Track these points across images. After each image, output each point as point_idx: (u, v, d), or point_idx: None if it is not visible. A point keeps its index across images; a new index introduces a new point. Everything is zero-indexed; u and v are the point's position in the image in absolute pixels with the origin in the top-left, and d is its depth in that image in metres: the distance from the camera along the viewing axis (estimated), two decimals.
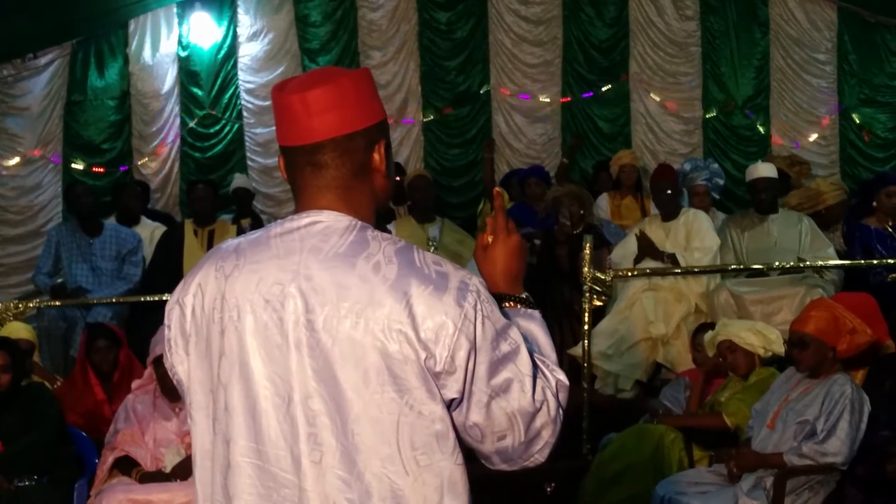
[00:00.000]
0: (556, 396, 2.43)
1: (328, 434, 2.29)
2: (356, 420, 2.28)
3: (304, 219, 2.43)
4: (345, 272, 2.32)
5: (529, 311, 2.55)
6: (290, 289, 2.34)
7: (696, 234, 9.28)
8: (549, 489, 7.56)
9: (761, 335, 7.17)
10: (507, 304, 2.56)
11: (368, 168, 2.48)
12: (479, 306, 2.32)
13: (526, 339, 2.42)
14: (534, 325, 2.51)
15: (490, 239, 2.64)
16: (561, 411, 2.44)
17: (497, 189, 2.72)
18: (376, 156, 2.48)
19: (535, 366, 2.40)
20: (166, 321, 2.53)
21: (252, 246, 2.45)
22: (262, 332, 2.35)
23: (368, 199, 2.49)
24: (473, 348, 2.29)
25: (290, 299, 2.33)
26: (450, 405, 2.34)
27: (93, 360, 7.74)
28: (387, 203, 2.58)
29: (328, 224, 2.41)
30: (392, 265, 2.32)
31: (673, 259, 9.09)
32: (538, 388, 2.38)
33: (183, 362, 2.50)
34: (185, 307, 2.48)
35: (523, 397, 2.35)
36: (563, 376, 2.47)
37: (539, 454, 2.45)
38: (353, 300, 2.29)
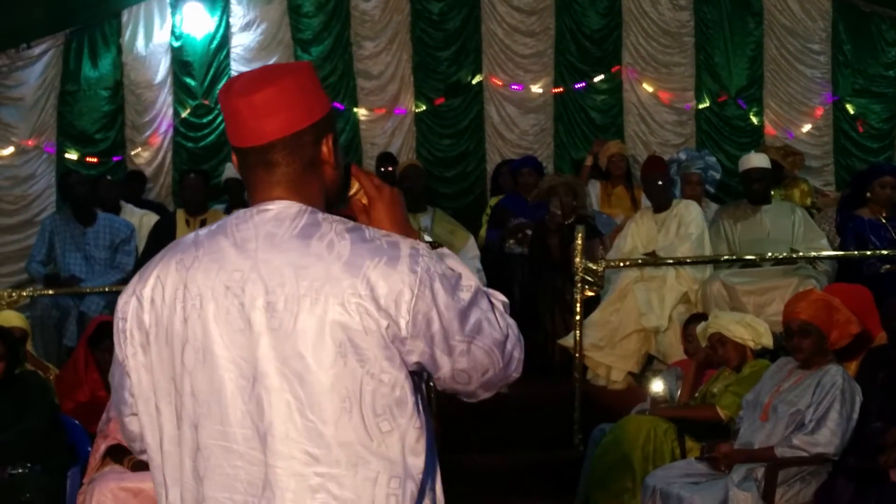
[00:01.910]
0: (508, 315, 2.57)
1: (293, 411, 2.38)
2: (321, 393, 2.37)
3: (257, 209, 2.52)
4: (300, 253, 2.41)
5: (439, 250, 2.60)
6: (249, 274, 2.43)
7: (682, 224, 9.28)
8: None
9: (751, 328, 7.19)
10: None
11: (317, 161, 2.57)
12: (431, 269, 2.43)
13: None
14: (451, 261, 2.56)
15: (365, 201, 2.69)
16: (516, 328, 2.57)
17: (352, 165, 2.75)
18: (324, 148, 2.57)
19: (494, 303, 2.54)
20: (120, 314, 2.61)
21: (210, 237, 2.53)
22: (224, 318, 2.43)
23: (318, 190, 2.57)
24: (435, 307, 2.40)
25: (249, 284, 2.42)
26: (418, 369, 2.47)
27: (99, 357, 7.69)
28: (337, 192, 2.65)
29: (279, 211, 2.50)
30: (345, 241, 2.42)
31: (653, 255, 9.11)
32: (499, 316, 2.51)
33: (136, 354, 2.56)
34: (142, 299, 2.54)
35: (493, 330, 2.48)
36: (500, 295, 2.60)
37: (515, 372, 2.58)
38: (310, 279, 2.38)
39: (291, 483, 2.38)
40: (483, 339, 2.47)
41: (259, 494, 2.40)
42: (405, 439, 2.42)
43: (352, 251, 2.40)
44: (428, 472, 2.47)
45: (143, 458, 2.64)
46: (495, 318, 2.50)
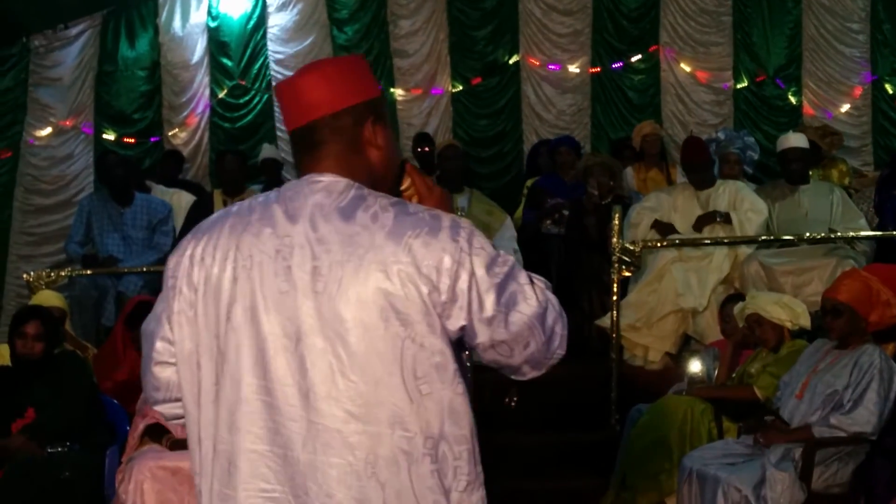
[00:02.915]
0: (550, 293, 2.66)
1: (334, 371, 2.50)
2: (362, 354, 2.49)
3: (308, 180, 2.68)
4: (346, 223, 2.56)
5: None
6: (297, 240, 2.57)
7: (744, 200, 9.22)
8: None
9: (788, 308, 7.15)
10: None
11: (359, 142, 2.71)
12: (471, 240, 2.55)
13: None
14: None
15: (416, 199, 2.83)
16: (559, 305, 2.66)
17: (407, 163, 2.92)
18: (366, 132, 2.72)
19: (534, 279, 2.64)
20: (170, 272, 2.72)
21: (264, 204, 2.68)
22: (272, 280, 2.56)
23: (363, 170, 2.71)
24: (473, 277, 2.52)
25: (297, 249, 2.56)
26: (460, 339, 2.58)
27: (137, 337, 7.72)
28: (387, 176, 2.79)
29: (328, 183, 2.65)
30: (388, 213, 2.56)
31: (727, 219, 9.06)
32: (538, 291, 2.60)
33: (183, 311, 2.67)
34: (194, 258, 2.66)
35: (530, 303, 2.57)
36: (540, 278, 2.68)
37: (559, 348, 2.67)
38: (354, 246, 2.52)
39: (332, 439, 2.49)
40: (520, 311, 2.55)
41: (299, 451, 2.51)
42: (444, 403, 2.53)
43: (395, 222, 2.53)
44: (465, 439, 2.57)
45: (163, 407, 2.81)
46: (533, 292, 2.58)
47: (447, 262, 2.50)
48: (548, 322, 2.60)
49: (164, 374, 2.74)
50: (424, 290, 2.49)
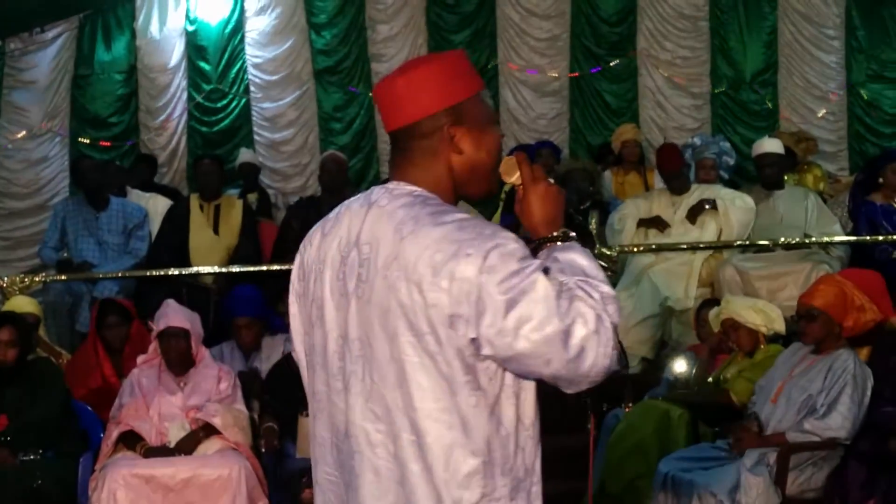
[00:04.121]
0: (601, 309, 2.61)
1: (366, 373, 2.70)
2: (382, 360, 2.66)
3: (383, 186, 2.84)
4: (390, 231, 2.68)
5: (567, 243, 2.80)
6: (354, 244, 2.75)
7: (734, 197, 9.27)
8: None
9: (763, 313, 7.17)
10: (548, 245, 2.82)
11: (439, 149, 2.82)
12: (488, 259, 2.56)
13: (568, 266, 2.70)
14: (572, 253, 2.75)
15: (521, 191, 2.91)
16: (607, 321, 2.60)
17: (518, 153, 2.97)
18: (445, 136, 2.81)
19: (562, 290, 2.59)
20: (293, 269, 3.00)
21: (346, 207, 2.87)
22: (335, 282, 2.77)
23: (441, 176, 2.82)
24: (483, 291, 2.55)
25: (353, 253, 2.75)
26: (479, 352, 2.61)
27: (104, 335, 7.73)
28: (474, 178, 2.87)
29: (393, 189, 2.80)
30: (417, 223, 2.65)
31: (713, 205, 9.09)
32: (563, 308, 2.56)
33: (293, 304, 2.95)
34: (301, 256, 2.93)
35: (547, 321, 2.53)
36: (607, 288, 2.67)
37: (592, 368, 2.59)
38: (385, 255, 2.66)
39: (360, 435, 2.71)
40: (534, 328, 2.54)
41: (342, 440, 2.76)
42: (455, 415, 2.62)
43: (428, 235, 2.62)
44: (480, 451, 2.64)
45: None
46: (554, 309, 2.55)
47: (457, 276, 2.56)
48: (572, 340, 2.55)
49: None
50: (441, 303, 2.58)
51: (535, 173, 2.89)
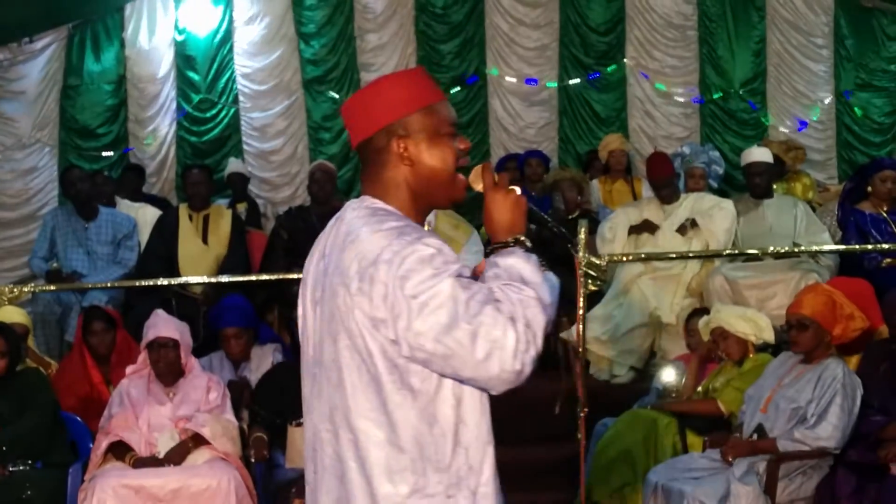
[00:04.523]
0: (519, 313, 2.68)
1: (321, 376, 2.88)
2: (330, 363, 2.84)
3: (350, 201, 3.01)
4: (338, 242, 2.85)
5: (510, 248, 2.88)
6: (322, 258, 2.92)
7: (707, 201, 9.29)
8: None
9: (752, 322, 7.18)
10: (497, 251, 2.91)
11: (390, 161, 2.95)
12: (404, 265, 2.69)
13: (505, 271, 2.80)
14: (512, 258, 2.83)
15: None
16: (520, 325, 2.68)
17: (485, 164, 3.11)
18: (396, 149, 2.94)
19: (474, 295, 2.67)
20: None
21: (329, 223, 3.01)
22: (310, 294, 2.97)
23: (399, 187, 2.95)
24: (397, 297, 2.68)
25: (321, 266, 2.92)
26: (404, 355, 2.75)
27: (90, 342, 7.72)
28: (430, 188, 2.98)
29: (358, 203, 2.94)
30: (358, 232, 2.80)
31: (693, 223, 9.09)
32: (472, 311, 2.65)
33: (300, 317, 3.07)
34: (306, 267, 3.05)
35: (454, 324, 2.64)
36: (532, 292, 2.75)
37: (503, 372, 2.66)
38: (333, 263, 2.84)
39: (318, 435, 2.90)
40: (443, 332, 2.65)
41: (314, 441, 2.93)
42: (382, 412, 2.76)
43: (362, 242, 2.77)
44: (410, 448, 2.77)
45: None
46: (465, 312, 2.65)
47: (378, 278, 2.70)
48: (479, 342, 2.64)
49: None
50: (355, 305, 2.74)
51: (497, 181, 3.00)
